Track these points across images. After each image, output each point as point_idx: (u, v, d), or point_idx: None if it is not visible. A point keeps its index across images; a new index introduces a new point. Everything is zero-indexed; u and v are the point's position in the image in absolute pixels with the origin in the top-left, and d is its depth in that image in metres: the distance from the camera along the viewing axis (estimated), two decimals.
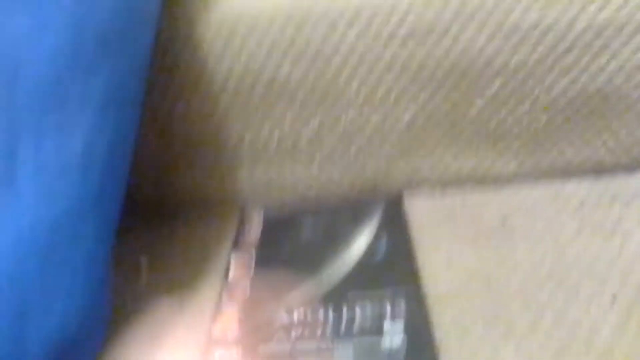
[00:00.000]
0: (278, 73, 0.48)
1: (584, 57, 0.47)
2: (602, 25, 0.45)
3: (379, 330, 0.34)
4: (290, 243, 0.44)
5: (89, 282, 0.32)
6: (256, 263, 0.42)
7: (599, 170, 0.50)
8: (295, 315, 0.36)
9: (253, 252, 0.44)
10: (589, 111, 0.49)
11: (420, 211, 0.47)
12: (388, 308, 0.35)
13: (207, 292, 0.41)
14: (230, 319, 0.37)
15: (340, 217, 0.46)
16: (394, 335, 0.33)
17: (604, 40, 0.46)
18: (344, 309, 0.36)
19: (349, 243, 0.42)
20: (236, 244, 0.45)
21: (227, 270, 0.42)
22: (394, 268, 0.39)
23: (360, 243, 0.42)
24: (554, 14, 0.45)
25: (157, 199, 0.53)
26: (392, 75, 0.48)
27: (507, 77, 0.48)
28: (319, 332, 0.34)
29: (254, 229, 0.47)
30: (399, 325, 0.34)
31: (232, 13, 0.46)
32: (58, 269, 0.30)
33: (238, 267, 0.42)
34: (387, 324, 0.34)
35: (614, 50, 0.47)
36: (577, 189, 0.48)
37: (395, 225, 0.44)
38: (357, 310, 0.36)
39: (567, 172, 0.51)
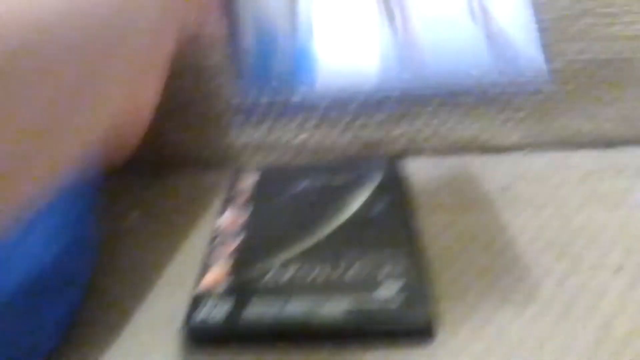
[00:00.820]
0: None
1: (598, 23, 0.45)
2: None
3: (374, 287, 0.32)
4: (285, 200, 0.42)
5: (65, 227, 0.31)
6: (249, 218, 0.40)
7: (607, 142, 0.48)
8: (287, 272, 0.34)
9: (246, 207, 0.42)
10: (602, 79, 0.47)
11: (421, 174, 0.45)
12: (385, 268, 0.34)
13: (197, 246, 0.39)
14: (218, 273, 0.35)
15: (337, 176, 0.44)
16: (390, 292, 0.32)
17: (618, 7, 0.44)
18: (338, 268, 0.34)
19: (345, 201, 0.41)
20: (228, 200, 0.43)
21: (216, 225, 0.40)
22: (392, 227, 0.38)
23: (357, 201, 0.41)
24: None
25: (150, 157, 0.51)
26: None
27: None
28: (310, 289, 0.33)
29: (248, 186, 0.45)
30: (397, 284, 0.32)
31: None
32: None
33: (230, 221, 0.40)
34: (383, 282, 0.32)
35: (631, 17, 0.45)
36: (583, 160, 0.47)
37: (394, 185, 0.43)
38: (353, 268, 0.34)
39: (574, 143, 0.49)
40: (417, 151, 0.49)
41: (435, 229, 0.39)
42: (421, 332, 0.30)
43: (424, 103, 0.48)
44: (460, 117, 0.48)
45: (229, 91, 0.48)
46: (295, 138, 0.50)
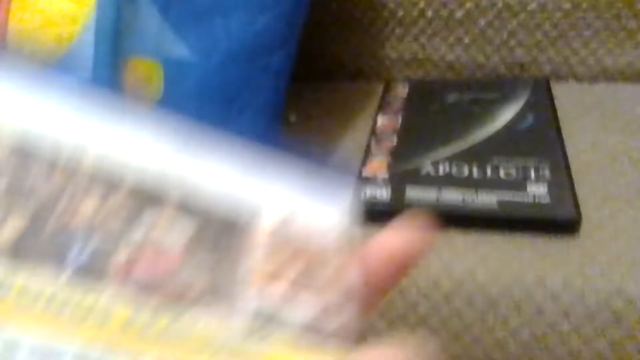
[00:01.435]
0: None
1: None
2: None
3: (522, 187, 0.36)
4: (435, 110, 0.47)
5: None
6: (402, 123, 0.45)
7: None
8: (441, 168, 0.39)
9: (399, 115, 0.47)
10: None
11: (567, 98, 0.47)
12: (532, 172, 0.37)
13: (355, 142, 0.45)
14: (378, 164, 0.41)
15: (485, 92, 0.47)
16: (539, 190, 0.35)
17: None
18: (488, 169, 0.38)
19: (493, 114, 0.44)
20: (382, 107, 0.48)
21: (374, 125, 0.46)
22: (539, 140, 0.41)
23: (505, 115, 0.44)
24: None
25: (306, 66, 0.57)
26: None
27: None
28: (463, 183, 0.37)
29: (400, 96, 0.50)
30: (544, 185, 0.36)
31: None
32: None
33: (384, 124, 0.46)
34: (530, 184, 0.36)
35: None
36: None
37: (541, 104, 0.45)
38: (501, 170, 0.38)
39: None
40: (563, 77, 0.51)
41: (579, 146, 0.42)
42: (567, 225, 0.34)
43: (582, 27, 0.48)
44: (614, 45, 0.49)
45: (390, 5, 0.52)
46: (449, 54, 0.53)
